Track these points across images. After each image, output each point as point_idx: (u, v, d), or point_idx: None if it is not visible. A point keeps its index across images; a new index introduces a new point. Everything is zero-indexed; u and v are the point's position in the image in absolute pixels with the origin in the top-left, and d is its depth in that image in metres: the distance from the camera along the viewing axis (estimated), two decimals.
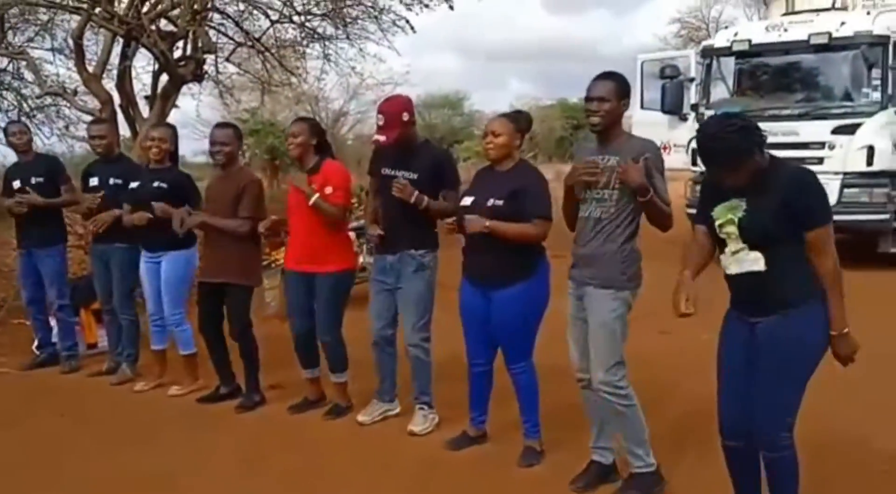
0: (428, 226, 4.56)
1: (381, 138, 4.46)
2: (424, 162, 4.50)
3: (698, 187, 11.40)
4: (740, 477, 3.20)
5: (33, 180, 5.99)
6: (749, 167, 2.86)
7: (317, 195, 4.61)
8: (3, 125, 7.95)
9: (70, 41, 10.00)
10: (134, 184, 5.47)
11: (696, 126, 10.02)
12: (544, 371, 4.19)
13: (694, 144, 2.92)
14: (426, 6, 10.34)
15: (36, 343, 6.37)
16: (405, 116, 4.47)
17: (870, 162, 9.41)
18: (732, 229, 2.94)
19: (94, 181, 5.83)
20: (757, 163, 2.88)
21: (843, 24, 9.78)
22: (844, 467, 3.94)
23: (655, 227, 3.57)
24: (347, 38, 11.16)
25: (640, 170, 3.40)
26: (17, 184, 6.05)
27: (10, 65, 11.83)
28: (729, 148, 2.83)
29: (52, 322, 6.33)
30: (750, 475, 3.15)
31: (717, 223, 2.99)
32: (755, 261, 2.92)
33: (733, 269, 3.00)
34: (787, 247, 2.89)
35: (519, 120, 4.17)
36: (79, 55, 9.41)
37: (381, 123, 4.46)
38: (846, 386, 5.02)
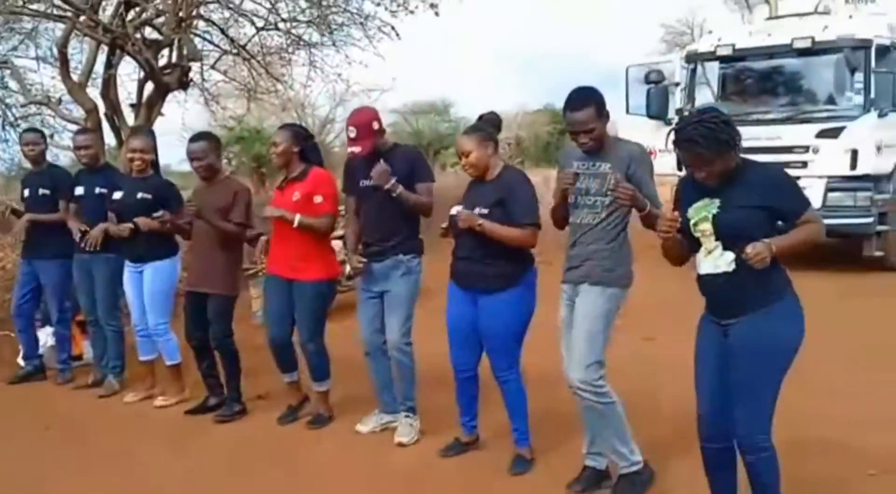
0: (413, 231, 4.59)
1: (357, 149, 4.53)
2: (398, 163, 4.54)
3: None
4: (718, 479, 3.22)
5: (40, 191, 6.01)
6: (724, 160, 2.91)
7: (298, 216, 4.61)
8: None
9: (54, 50, 9.96)
10: (118, 195, 5.44)
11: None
12: (533, 377, 4.19)
13: (672, 136, 2.96)
14: (411, 12, 10.34)
15: (21, 354, 6.32)
16: (375, 125, 4.54)
17: (853, 165, 9.43)
18: (707, 226, 2.99)
19: (79, 190, 5.81)
20: (732, 159, 2.93)
21: (825, 28, 9.85)
22: (831, 470, 3.95)
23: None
24: (333, 44, 11.13)
25: (632, 189, 3.47)
26: (26, 192, 6.10)
27: None
28: (709, 135, 2.86)
29: (39, 334, 6.29)
30: (728, 476, 3.18)
31: (691, 222, 3.03)
32: (727, 262, 2.96)
33: (706, 270, 3.03)
34: None
35: (485, 127, 4.18)
36: (63, 64, 9.37)
37: (353, 136, 4.53)
38: (831, 388, 5.09)
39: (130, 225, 5.25)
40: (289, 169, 4.79)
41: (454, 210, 4.10)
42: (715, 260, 3.00)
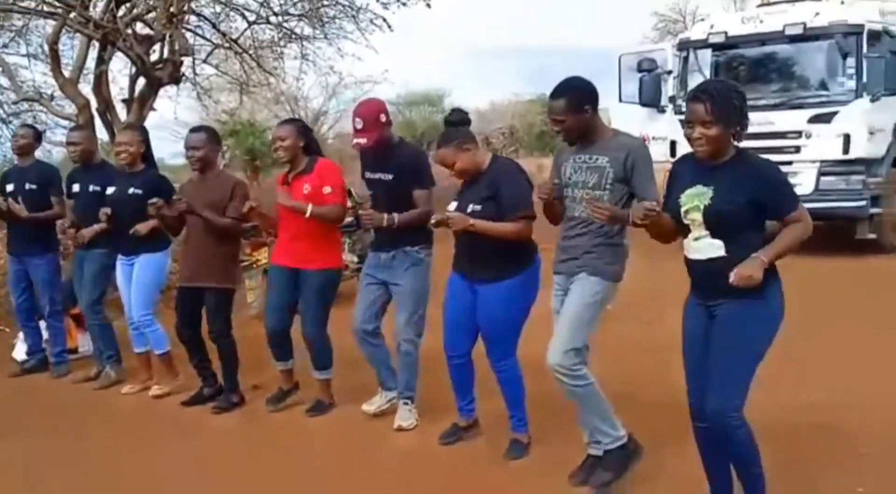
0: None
1: (362, 141, 4.49)
2: (400, 162, 4.54)
3: None
4: (710, 458, 3.25)
5: (27, 186, 5.95)
6: (723, 129, 2.93)
7: (310, 206, 4.60)
8: None
9: (45, 46, 9.94)
10: (110, 190, 5.44)
11: (675, 118, 10.16)
12: (529, 364, 4.20)
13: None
14: (403, 4, 10.35)
15: (25, 349, 6.33)
16: (382, 118, 4.52)
17: (846, 150, 9.49)
18: (697, 216, 3.02)
19: (76, 187, 5.82)
20: (730, 136, 2.97)
21: (817, 14, 9.88)
22: (824, 449, 3.99)
23: None
24: (325, 37, 11.15)
25: (608, 209, 3.35)
26: (10, 187, 6.00)
27: None
28: (724, 93, 2.95)
29: (42, 327, 6.31)
30: (720, 455, 3.20)
31: (682, 209, 3.06)
32: (717, 248, 3.00)
33: (695, 255, 3.08)
34: (747, 235, 2.98)
35: (457, 131, 4.12)
36: (54, 60, 9.36)
37: (359, 127, 4.49)
38: (824, 369, 5.13)
39: (103, 224, 5.40)
40: (295, 163, 4.79)
41: (451, 207, 4.10)
42: (702, 247, 3.04)
